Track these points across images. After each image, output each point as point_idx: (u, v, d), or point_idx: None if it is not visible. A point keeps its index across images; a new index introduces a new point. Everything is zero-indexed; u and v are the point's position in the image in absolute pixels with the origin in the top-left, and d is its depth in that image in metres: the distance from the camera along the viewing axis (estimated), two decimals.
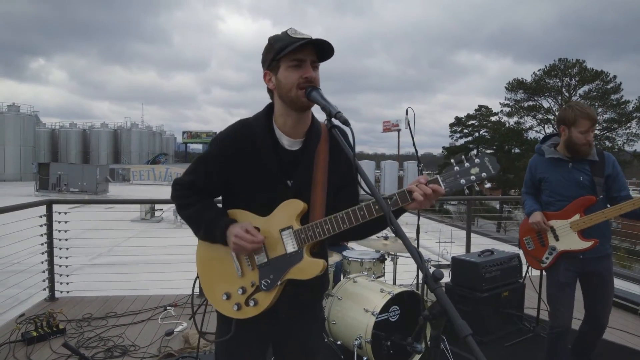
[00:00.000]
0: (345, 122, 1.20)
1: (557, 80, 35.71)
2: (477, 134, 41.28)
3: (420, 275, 3.86)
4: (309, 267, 1.38)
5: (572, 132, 2.50)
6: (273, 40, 1.37)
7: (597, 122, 2.55)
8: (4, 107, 40.96)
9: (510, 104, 38.12)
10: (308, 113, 1.43)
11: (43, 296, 4.40)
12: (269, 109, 1.47)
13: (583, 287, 2.72)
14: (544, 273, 3.54)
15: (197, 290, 1.64)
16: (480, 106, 40.95)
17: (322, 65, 1.40)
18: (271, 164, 1.41)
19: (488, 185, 1.23)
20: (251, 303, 1.42)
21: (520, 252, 3.84)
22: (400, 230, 1.04)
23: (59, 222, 4.39)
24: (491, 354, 3.28)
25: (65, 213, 4.49)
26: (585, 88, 34.82)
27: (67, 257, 4.44)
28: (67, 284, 4.49)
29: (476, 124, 41.06)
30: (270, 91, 1.44)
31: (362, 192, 1.32)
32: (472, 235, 6.18)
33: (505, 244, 8.29)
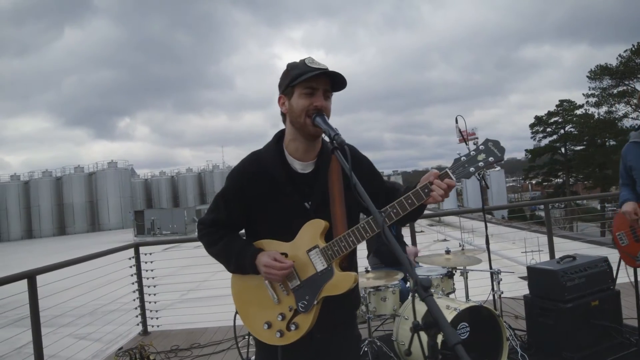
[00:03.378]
0: (342, 144, 1.29)
1: None
2: (562, 131, 38.06)
3: (496, 288, 3.62)
4: (341, 282, 1.42)
5: None
6: (290, 67, 1.46)
7: None
8: (105, 164, 46.47)
9: (597, 93, 34.77)
10: (318, 140, 1.51)
11: (138, 331, 4.84)
12: (279, 137, 1.55)
13: None
14: None
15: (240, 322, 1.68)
16: (562, 101, 37.92)
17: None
18: (287, 189, 1.48)
19: (497, 168, 1.26)
20: (292, 327, 1.45)
21: (609, 254, 3.47)
22: (393, 241, 1.06)
23: (146, 263, 4.84)
24: None
25: (151, 254, 4.94)
26: None
27: (155, 294, 4.86)
28: (158, 319, 4.89)
29: (560, 120, 37.98)
30: (283, 115, 1.52)
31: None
32: (563, 240, 5.69)
33: (601, 247, 7.44)
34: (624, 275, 3.42)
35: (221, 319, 5.12)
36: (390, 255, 4.08)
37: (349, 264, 1.51)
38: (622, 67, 32.64)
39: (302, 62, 1.43)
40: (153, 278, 4.85)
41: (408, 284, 3.57)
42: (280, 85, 1.50)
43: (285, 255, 1.48)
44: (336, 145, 1.30)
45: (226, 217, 1.55)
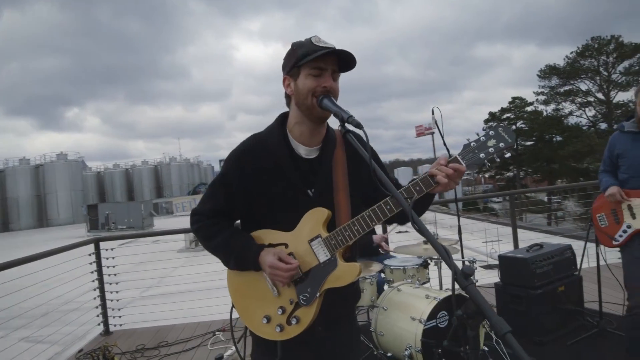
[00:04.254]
0: (358, 125, 1.20)
1: (593, 60, 34.08)
2: (514, 127, 39.86)
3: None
4: (345, 273, 1.35)
5: (636, 105, 2.50)
6: (296, 46, 1.37)
7: None
8: (53, 156, 43.76)
9: (545, 91, 36.72)
10: (324, 123, 1.43)
11: (98, 331, 4.57)
12: (282, 120, 1.46)
13: None
14: (602, 263, 3.34)
15: (236, 315, 1.59)
16: (514, 98, 39.69)
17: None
18: (291, 175, 1.39)
19: (508, 155, 1.24)
20: (293, 321, 1.37)
21: (574, 242, 3.63)
22: (423, 226, 1.00)
23: (107, 259, 4.57)
24: (554, 354, 3.07)
25: (112, 249, 4.67)
26: (626, 64, 32.99)
27: (117, 292, 4.61)
28: (120, 317, 4.64)
29: (512, 116, 39.74)
30: (287, 97, 1.43)
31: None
32: (521, 230, 5.93)
33: (556, 237, 7.86)
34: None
35: (187, 315, 4.94)
36: (362, 246, 4.08)
37: (351, 255, 1.45)
38: (568, 67, 34.59)
39: (309, 40, 1.34)
40: (115, 275, 4.59)
41: (383, 275, 3.58)
42: (284, 66, 1.40)
43: (286, 245, 1.39)
44: (349, 129, 1.22)
45: (225, 206, 1.45)
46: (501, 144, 1.22)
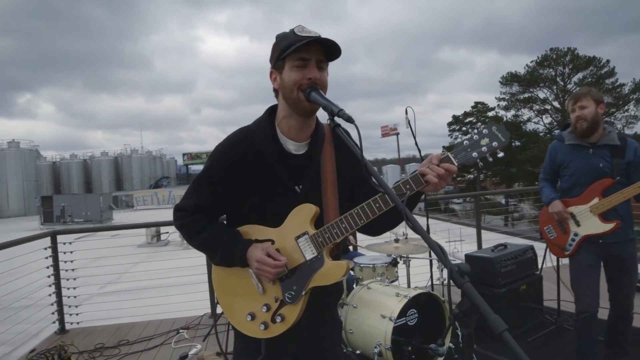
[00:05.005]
0: (349, 120, 1.16)
1: (551, 70, 35.83)
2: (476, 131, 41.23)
3: (435, 275, 3.78)
4: (332, 271, 1.32)
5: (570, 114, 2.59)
6: (279, 39, 1.33)
7: (579, 98, 2.54)
8: (4, 144, 41.19)
9: (506, 97, 38.24)
10: (313, 117, 1.39)
11: (53, 329, 4.33)
12: (270, 113, 1.42)
13: (606, 272, 2.67)
14: (562, 262, 3.49)
15: (209, 310, 1.55)
16: (477, 102, 41.07)
17: None
18: (279, 171, 1.36)
19: (501, 154, 1.19)
20: (278, 319, 1.35)
21: (535, 243, 3.77)
22: (417, 224, 0.99)
23: (65, 253, 4.34)
24: None
25: (70, 243, 4.44)
26: (580, 75, 34.93)
27: (75, 288, 4.39)
28: (77, 314, 4.42)
29: (474, 120, 41.07)
30: (275, 91, 1.39)
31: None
32: (482, 231, 6.12)
33: (515, 237, 8.19)
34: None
35: (149, 313, 4.77)
36: None
37: (338, 253, 1.43)
38: (528, 75, 36.18)
39: (292, 31, 1.30)
40: (73, 270, 4.36)
41: (352, 273, 3.59)
42: (270, 59, 1.36)
43: (272, 242, 1.36)
44: (338, 123, 1.18)
45: (211, 201, 1.40)
46: (494, 143, 1.19)
